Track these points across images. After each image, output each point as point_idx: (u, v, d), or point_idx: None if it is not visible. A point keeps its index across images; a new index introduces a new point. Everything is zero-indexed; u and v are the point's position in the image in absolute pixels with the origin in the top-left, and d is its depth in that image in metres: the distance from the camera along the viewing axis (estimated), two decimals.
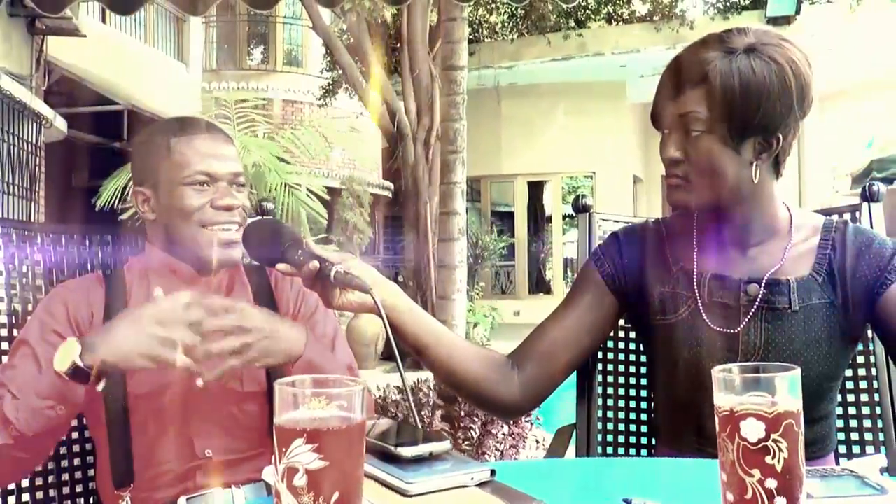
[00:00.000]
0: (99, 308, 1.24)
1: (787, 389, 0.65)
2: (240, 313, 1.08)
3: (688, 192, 1.14)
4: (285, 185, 7.05)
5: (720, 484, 0.67)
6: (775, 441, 0.63)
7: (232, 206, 1.26)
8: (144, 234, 1.34)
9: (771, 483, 0.63)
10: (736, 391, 0.65)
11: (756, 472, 0.63)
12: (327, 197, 7.22)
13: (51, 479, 1.32)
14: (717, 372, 0.67)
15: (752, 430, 0.64)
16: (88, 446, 1.36)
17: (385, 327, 1.06)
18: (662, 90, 1.15)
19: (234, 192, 1.28)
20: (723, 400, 0.66)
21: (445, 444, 0.84)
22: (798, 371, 0.66)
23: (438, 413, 3.31)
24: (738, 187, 1.13)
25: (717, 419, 0.67)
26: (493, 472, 0.83)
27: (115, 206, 6.37)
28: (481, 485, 0.81)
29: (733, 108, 1.08)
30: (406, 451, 0.82)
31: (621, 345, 1.54)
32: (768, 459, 0.63)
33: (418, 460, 0.82)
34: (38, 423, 1.05)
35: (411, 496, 0.77)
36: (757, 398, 0.64)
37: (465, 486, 0.80)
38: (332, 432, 0.59)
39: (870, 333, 1.34)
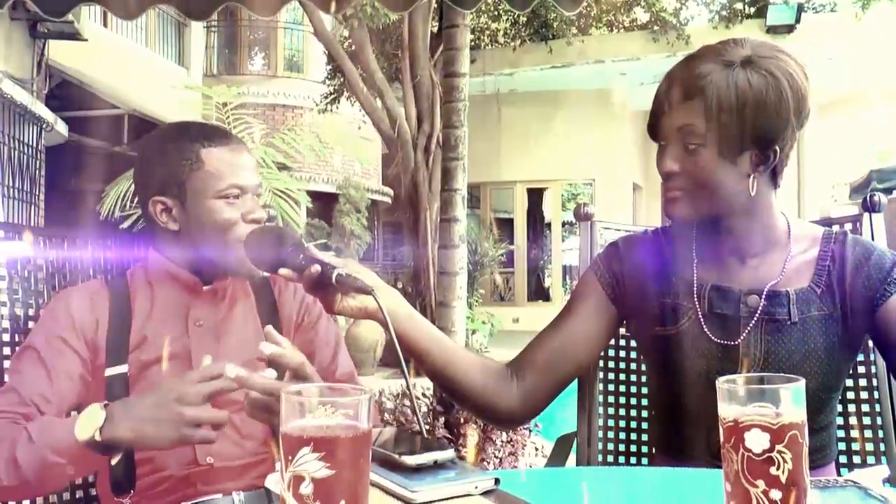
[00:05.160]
0: (104, 315, 1.23)
1: (791, 400, 0.65)
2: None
3: (685, 205, 1.14)
4: (269, 191, 7.01)
5: (724, 494, 0.67)
6: (780, 452, 0.64)
7: (261, 220, 1.25)
8: (149, 240, 1.33)
9: (775, 494, 0.63)
10: (740, 402, 0.66)
11: (760, 483, 0.64)
12: (303, 200, 7.12)
13: None
14: (722, 383, 0.67)
15: (757, 441, 0.64)
16: None
17: (388, 329, 1.04)
18: (659, 102, 1.15)
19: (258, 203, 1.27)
20: (727, 410, 0.66)
21: (449, 453, 0.84)
22: (802, 382, 0.66)
23: (440, 420, 3.30)
24: (736, 200, 1.13)
25: (721, 429, 0.67)
26: (497, 481, 0.83)
27: (112, 211, 6.35)
28: (485, 493, 0.81)
29: (730, 122, 1.07)
30: (410, 460, 0.82)
31: (622, 353, 1.54)
32: (773, 470, 0.64)
33: (422, 468, 0.82)
34: (45, 474, 1.03)
35: None
36: (761, 409, 0.65)
37: (470, 495, 0.80)
38: (339, 441, 0.59)
39: (870, 343, 1.35)
